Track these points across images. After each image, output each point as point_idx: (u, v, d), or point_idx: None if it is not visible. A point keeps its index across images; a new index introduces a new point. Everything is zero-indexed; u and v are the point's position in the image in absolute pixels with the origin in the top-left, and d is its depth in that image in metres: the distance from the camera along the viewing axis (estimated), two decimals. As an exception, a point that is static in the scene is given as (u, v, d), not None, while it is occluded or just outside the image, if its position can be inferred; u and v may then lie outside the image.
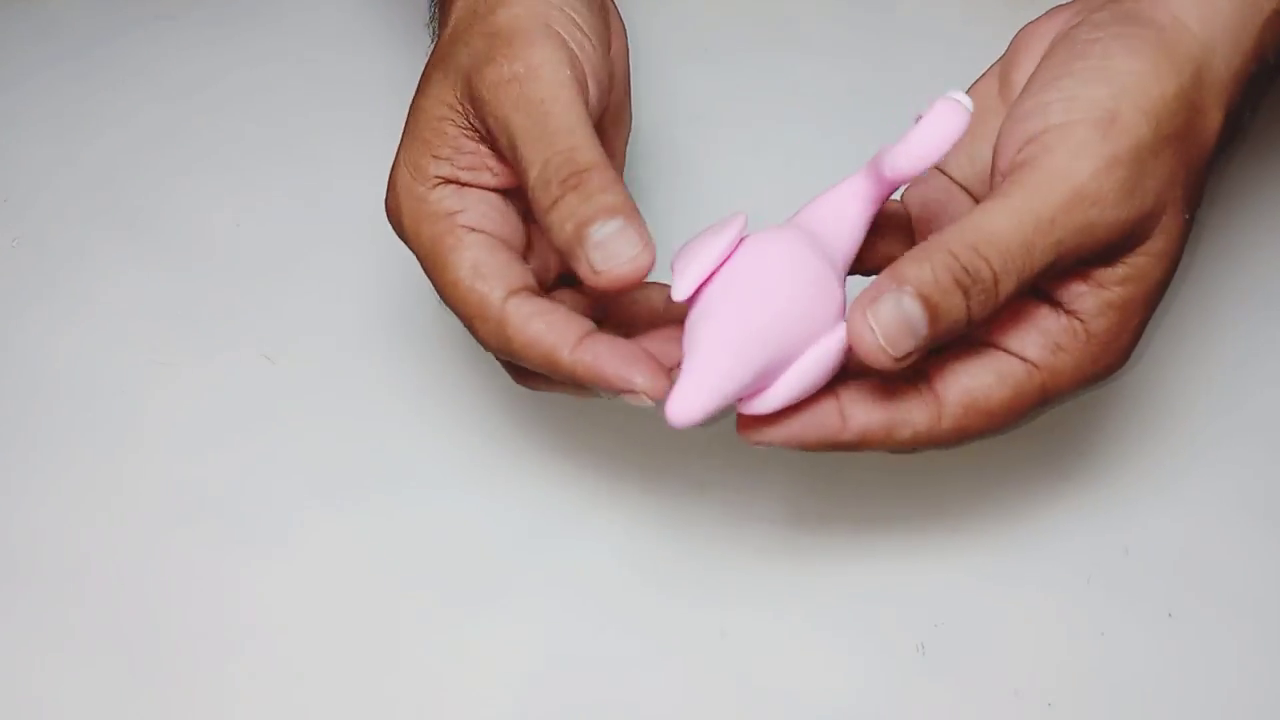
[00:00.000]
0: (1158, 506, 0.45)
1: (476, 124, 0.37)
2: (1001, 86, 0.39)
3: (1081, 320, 0.36)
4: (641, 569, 0.44)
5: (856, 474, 0.45)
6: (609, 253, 0.34)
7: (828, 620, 0.43)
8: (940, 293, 0.33)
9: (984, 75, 0.40)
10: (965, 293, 0.33)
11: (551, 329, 0.35)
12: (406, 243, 0.38)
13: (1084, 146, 0.34)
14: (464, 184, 0.38)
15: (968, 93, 0.40)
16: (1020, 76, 0.38)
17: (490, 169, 0.37)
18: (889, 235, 0.39)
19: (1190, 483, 0.45)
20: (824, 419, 0.35)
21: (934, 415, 0.35)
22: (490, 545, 0.44)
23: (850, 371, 0.35)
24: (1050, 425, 0.41)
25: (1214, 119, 0.36)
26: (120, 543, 0.45)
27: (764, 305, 0.33)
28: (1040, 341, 0.36)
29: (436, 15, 0.42)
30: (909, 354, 0.33)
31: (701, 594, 0.43)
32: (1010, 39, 0.40)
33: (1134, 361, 0.39)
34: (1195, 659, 0.42)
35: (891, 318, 0.32)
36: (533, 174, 0.35)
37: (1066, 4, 0.38)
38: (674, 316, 0.40)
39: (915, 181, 0.41)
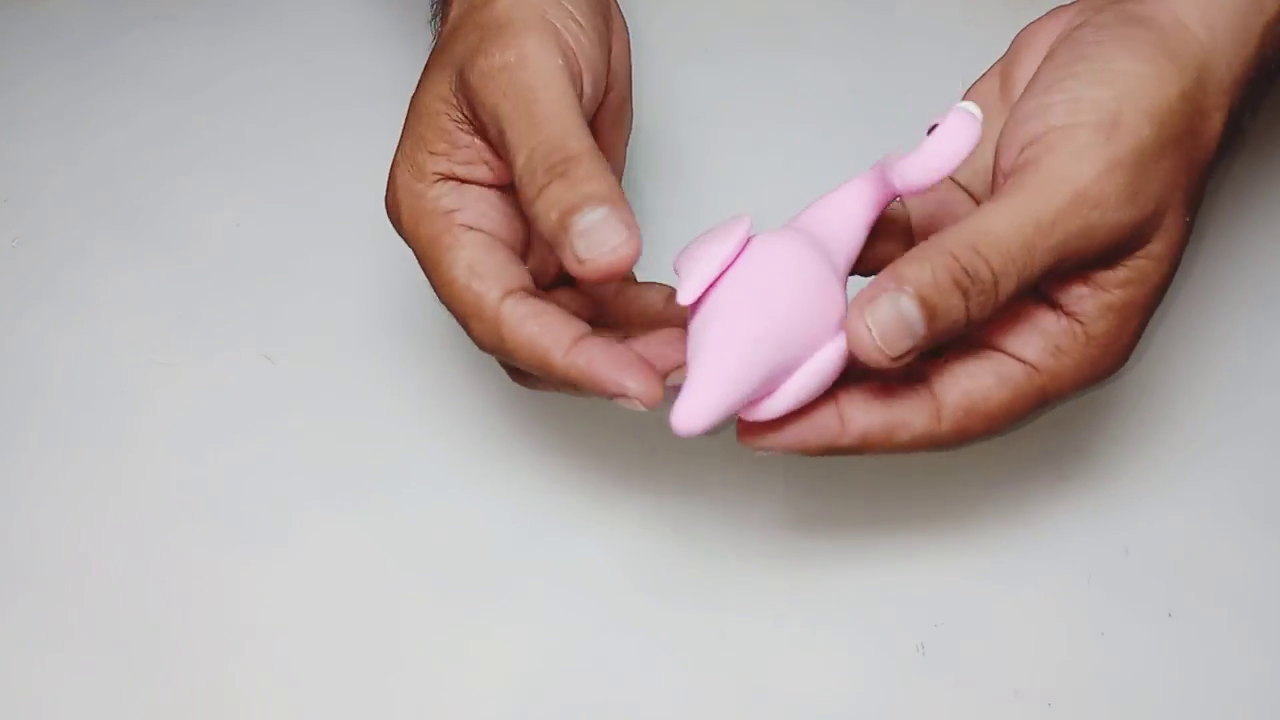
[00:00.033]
0: (1158, 506, 0.45)
1: (470, 115, 0.37)
2: (1003, 86, 0.39)
3: (1081, 323, 0.36)
4: (642, 569, 0.44)
5: (857, 475, 0.45)
6: (593, 241, 0.33)
7: (828, 621, 0.43)
8: (939, 293, 0.33)
9: (985, 75, 0.40)
10: (964, 293, 0.33)
11: (546, 331, 0.35)
12: (405, 240, 0.38)
13: (1087, 149, 0.34)
14: (462, 180, 0.37)
15: (969, 93, 0.40)
16: (1022, 76, 0.38)
17: (486, 163, 0.37)
18: (889, 237, 0.39)
19: (1190, 483, 0.45)
20: (823, 423, 0.35)
21: (933, 417, 0.35)
22: (490, 545, 0.44)
23: (852, 371, 0.35)
24: (1050, 425, 0.41)
25: (1216, 122, 0.36)
26: (119, 542, 0.45)
27: (770, 311, 0.33)
28: (1040, 344, 0.36)
29: (439, 12, 0.42)
30: (905, 353, 0.33)
31: (702, 595, 0.43)
32: (1010, 39, 0.40)
33: (1133, 362, 0.40)
34: (1195, 659, 0.42)
35: (889, 318, 0.32)
36: (519, 161, 0.35)
37: (1068, 4, 0.38)
38: (673, 316, 0.40)
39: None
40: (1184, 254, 0.37)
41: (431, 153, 0.37)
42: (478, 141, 0.37)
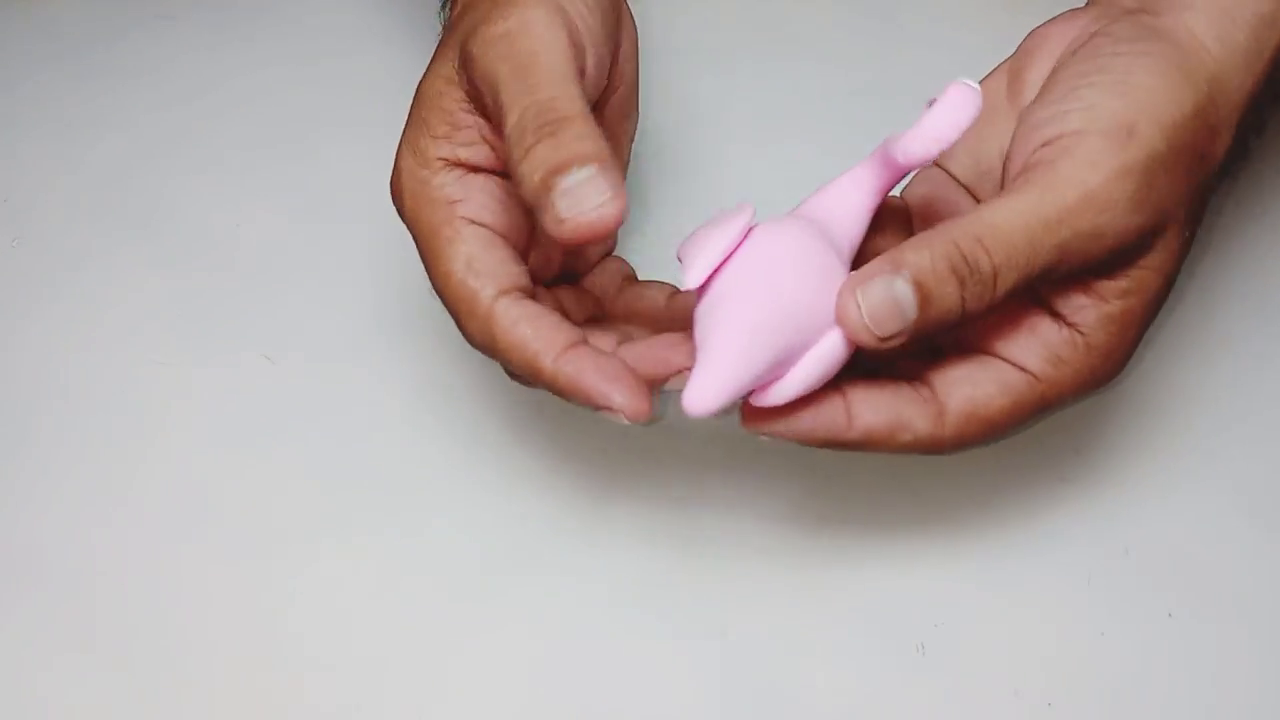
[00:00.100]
0: (1158, 507, 0.45)
1: (470, 91, 0.37)
2: (1010, 86, 0.39)
3: (1082, 333, 0.36)
4: (642, 569, 0.44)
5: (858, 475, 0.45)
6: (575, 199, 0.32)
7: (828, 620, 0.43)
8: (935, 280, 0.33)
9: (991, 74, 0.40)
10: (961, 283, 0.33)
11: (537, 335, 0.35)
12: (406, 225, 0.38)
13: (1099, 154, 0.34)
14: (466, 166, 0.37)
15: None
16: (1034, 77, 0.38)
17: (488, 142, 0.37)
18: (890, 230, 0.39)
19: (1190, 484, 0.45)
20: (830, 416, 0.35)
21: (937, 421, 0.36)
22: (490, 546, 0.44)
23: (860, 365, 0.35)
24: (1051, 428, 0.41)
25: (1224, 139, 0.36)
26: (119, 542, 0.45)
27: (776, 295, 0.33)
28: (1041, 354, 0.36)
29: (447, 2, 0.42)
30: (894, 335, 0.33)
31: (703, 594, 0.43)
32: (1010, 43, 0.40)
33: (1133, 366, 0.40)
34: (1195, 659, 0.42)
35: (881, 298, 0.32)
36: (510, 121, 0.34)
37: (1082, 9, 0.39)
38: (675, 315, 0.40)
39: (917, 177, 0.41)
40: (1183, 265, 0.37)
41: (434, 137, 0.37)
42: (479, 119, 0.37)
